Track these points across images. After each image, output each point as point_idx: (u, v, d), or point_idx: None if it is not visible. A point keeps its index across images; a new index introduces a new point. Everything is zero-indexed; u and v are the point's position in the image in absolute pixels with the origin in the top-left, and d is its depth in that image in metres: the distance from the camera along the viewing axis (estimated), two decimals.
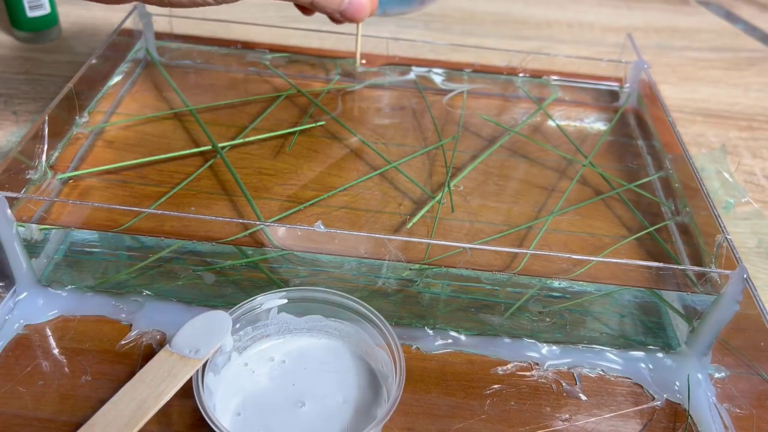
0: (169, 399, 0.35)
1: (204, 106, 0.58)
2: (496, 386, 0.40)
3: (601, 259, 0.43)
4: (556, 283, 0.43)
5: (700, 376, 0.42)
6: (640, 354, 0.43)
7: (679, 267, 0.43)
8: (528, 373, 0.41)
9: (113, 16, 0.74)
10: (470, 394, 0.40)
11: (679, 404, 0.40)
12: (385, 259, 0.41)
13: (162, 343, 0.41)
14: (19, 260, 0.41)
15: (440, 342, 0.43)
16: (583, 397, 0.40)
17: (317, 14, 0.54)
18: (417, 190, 0.51)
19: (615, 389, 0.41)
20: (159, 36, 0.65)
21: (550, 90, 0.65)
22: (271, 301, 0.40)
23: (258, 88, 0.61)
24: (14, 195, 0.40)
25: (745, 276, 0.39)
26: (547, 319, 0.44)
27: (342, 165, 0.53)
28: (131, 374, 0.36)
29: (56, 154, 0.49)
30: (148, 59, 0.63)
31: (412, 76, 0.65)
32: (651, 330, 0.45)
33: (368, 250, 0.41)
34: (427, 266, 0.42)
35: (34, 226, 0.42)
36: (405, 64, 0.66)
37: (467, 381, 0.41)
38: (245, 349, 0.40)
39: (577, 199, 0.52)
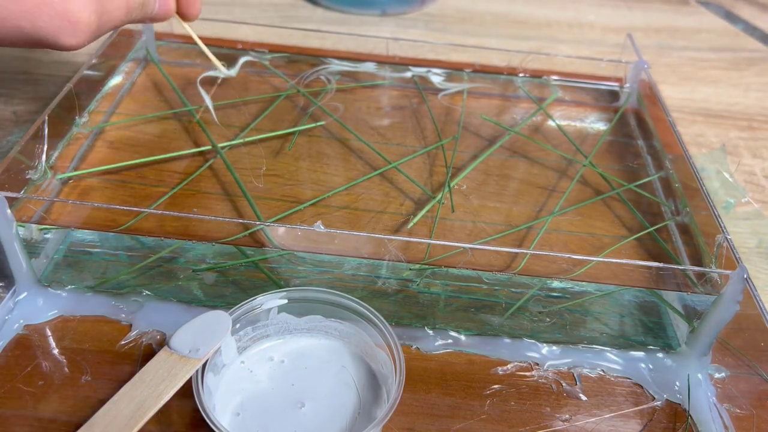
0: (168, 399, 0.35)
1: (204, 106, 0.57)
2: (496, 386, 0.40)
3: (601, 259, 0.43)
4: (556, 283, 0.43)
5: (700, 376, 0.42)
6: (640, 354, 0.43)
7: (679, 267, 0.43)
8: (528, 373, 0.41)
9: None
10: (470, 394, 0.40)
11: (679, 404, 0.40)
12: (385, 260, 0.41)
13: (162, 343, 0.41)
14: (19, 260, 0.41)
15: (440, 342, 0.43)
16: (583, 398, 0.40)
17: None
18: (417, 190, 0.51)
19: (615, 389, 0.41)
20: (159, 36, 0.65)
21: (550, 90, 0.65)
22: (271, 301, 0.40)
23: (258, 88, 0.61)
24: (14, 195, 0.40)
25: (745, 276, 0.39)
26: (547, 319, 0.44)
27: (342, 165, 0.53)
28: (131, 374, 0.36)
29: (56, 154, 0.49)
30: (148, 59, 0.63)
31: (411, 75, 0.65)
32: (651, 330, 0.45)
33: (368, 251, 0.41)
34: (427, 266, 0.42)
35: (34, 226, 0.42)
36: (405, 64, 0.66)
37: (467, 381, 0.41)
38: (245, 349, 0.40)
39: (577, 199, 0.52)
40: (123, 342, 0.41)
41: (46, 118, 0.46)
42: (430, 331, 0.43)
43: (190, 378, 0.35)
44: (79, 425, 0.34)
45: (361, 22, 0.79)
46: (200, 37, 0.67)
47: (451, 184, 0.52)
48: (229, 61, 0.64)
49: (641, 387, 0.41)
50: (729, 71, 0.78)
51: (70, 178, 0.49)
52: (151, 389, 0.35)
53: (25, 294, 0.43)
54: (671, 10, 0.93)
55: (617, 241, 0.48)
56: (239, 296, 0.42)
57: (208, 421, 0.33)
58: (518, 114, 0.62)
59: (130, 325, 0.42)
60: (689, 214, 0.49)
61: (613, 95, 0.66)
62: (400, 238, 0.41)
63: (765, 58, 0.81)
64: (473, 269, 0.42)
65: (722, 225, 0.44)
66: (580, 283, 0.43)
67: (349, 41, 0.65)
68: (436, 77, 0.65)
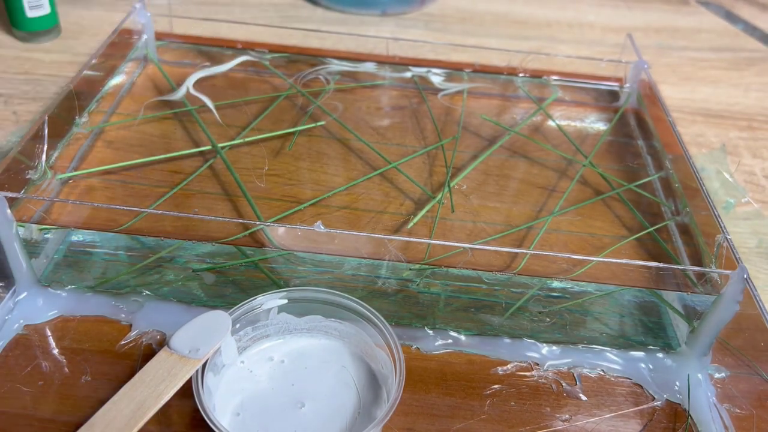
0: (168, 399, 0.35)
1: (206, 107, 0.57)
2: (496, 386, 0.40)
3: (601, 259, 0.43)
4: (556, 283, 0.43)
5: (700, 376, 0.42)
6: (640, 354, 0.43)
7: (679, 267, 0.43)
8: (528, 373, 0.41)
9: (113, 16, 0.75)
10: (470, 394, 0.40)
11: (679, 404, 0.40)
12: (385, 260, 0.41)
13: (162, 343, 0.41)
14: (19, 260, 0.41)
15: (440, 342, 0.43)
16: (583, 397, 0.40)
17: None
18: (417, 190, 0.51)
19: (615, 389, 0.41)
20: (159, 36, 0.65)
21: (550, 90, 0.65)
22: (271, 301, 0.40)
23: (258, 88, 0.61)
24: (14, 195, 0.40)
25: (745, 276, 0.39)
26: (547, 319, 0.44)
27: (342, 165, 0.53)
28: (131, 374, 0.36)
29: (56, 154, 0.49)
30: (148, 59, 0.63)
31: (411, 75, 0.65)
32: (651, 330, 0.45)
33: (368, 251, 0.41)
34: (427, 266, 0.42)
35: (34, 226, 0.42)
36: (405, 64, 0.66)
37: (467, 381, 0.41)
38: (245, 349, 0.40)
39: (577, 199, 0.52)
40: (123, 342, 0.41)
41: (46, 118, 0.46)
42: (430, 331, 0.43)
43: (190, 378, 0.35)
44: (79, 425, 0.34)
45: (361, 22, 0.79)
46: (201, 37, 0.67)
47: (451, 184, 0.52)
48: (228, 60, 0.64)
49: (641, 387, 0.41)
50: (729, 71, 0.78)
51: (70, 178, 0.49)
52: (151, 389, 0.35)
53: (25, 294, 0.43)
54: (671, 10, 0.93)
55: (617, 241, 0.48)
56: (239, 296, 0.42)
57: (208, 421, 0.33)
58: (518, 114, 0.62)
59: (130, 325, 0.42)
60: (689, 214, 0.49)
61: (613, 95, 0.66)
62: (400, 238, 0.41)
63: (765, 58, 0.81)
64: (473, 269, 0.42)
65: (722, 225, 0.44)
66: (580, 283, 0.43)
67: (349, 41, 0.65)
68: (436, 77, 0.65)
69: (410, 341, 0.42)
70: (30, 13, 0.67)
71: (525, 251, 0.44)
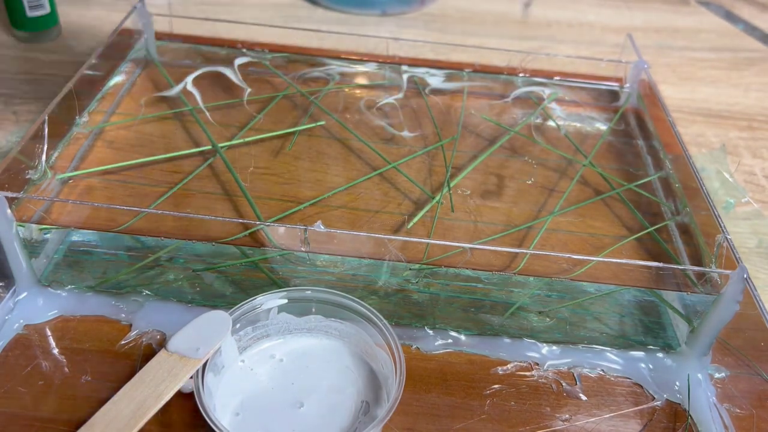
0: (168, 399, 0.35)
1: (204, 105, 0.57)
2: (496, 386, 0.40)
3: (601, 259, 0.43)
4: (556, 283, 0.43)
5: (700, 376, 0.42)
6: (640, 354, 0.43)
7: (679, 267, 0.43)
8: (528, 373, 0.41)
9: (113, 16, 0.74)
10: (470, 394, 0.40)
11: (679, 404, 0.40)
12: (385, 259, 0.41)
13: (162, 343, 0.41)
14: (19, 260, 0.41)
15: (440, 342, 0.43)
16: (583, 397, 0.40)
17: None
18: (417, 190, 0.51)
19: (615, 389, 0.41)
20: (159, 36, 0.65)
21: (550, 90, 0.65)
22: (271, 301, 0.40)
23: (258, 88, 0.61)
24: (14, 195, 0.40)
25: (745, 276, 0.39)
26: (547, 319, 0.44)
27: (342, 165, 0.53)
28: (131, 374, 0.36)
29: (56, 154, 0.49)
30: (148, 59, 0.63)
31: (411, 76, 0.65)
32: (651, 330, 0.45)
33: (368, 251, 0.41)
34: (427, 266, 0.42)
35: (34, 226, 0.42)
36: (405, 63, 0.66)
37: (467, 381, 0.41)
38: (245, 349, 0.40)
39: (577, 199, 0.52)
40: (123, 342, 0.41)
41: (46, 118, 0.46)
42: (430, 331, 0.43)
43: (191, 378, 0.35)
44: (79, 425, 0.34)
45: (361, 22, 0.79)
46: (201, 37, 0.67)
47: (451, 184, 0.52)
48: (228, 61, 0.64)
49: (641, 387, 0.41)
50: (729, 71, 0.78)
51: (70, 178, 0.49)
52: (151, 389, 0.35)
53: (25, 294, 0.43)
54: (671, 10, 0.93)
55: (617, 241, 0.48)
56: (239, 296, 0.42)
57: (208, 421, 0.33)
58: (518, 114, 0.62)
59: (130, 325, 0.42)
60: (689, 214, 0.49)
61: (613, 95, 0.66)
62: (400, 238, 0.41)
63: (765, 58, 0.81)
64: (473, 269, 0.42)
65: (722, 225, 0.44)
66: (580, 283, 0.43)
67: (349, 41, 0.65)
68: (436, 77, 0.65)
69: (410, 341, 0.42)
70: (30, 13, 0.67)
71: (525, 251, 0.44)
